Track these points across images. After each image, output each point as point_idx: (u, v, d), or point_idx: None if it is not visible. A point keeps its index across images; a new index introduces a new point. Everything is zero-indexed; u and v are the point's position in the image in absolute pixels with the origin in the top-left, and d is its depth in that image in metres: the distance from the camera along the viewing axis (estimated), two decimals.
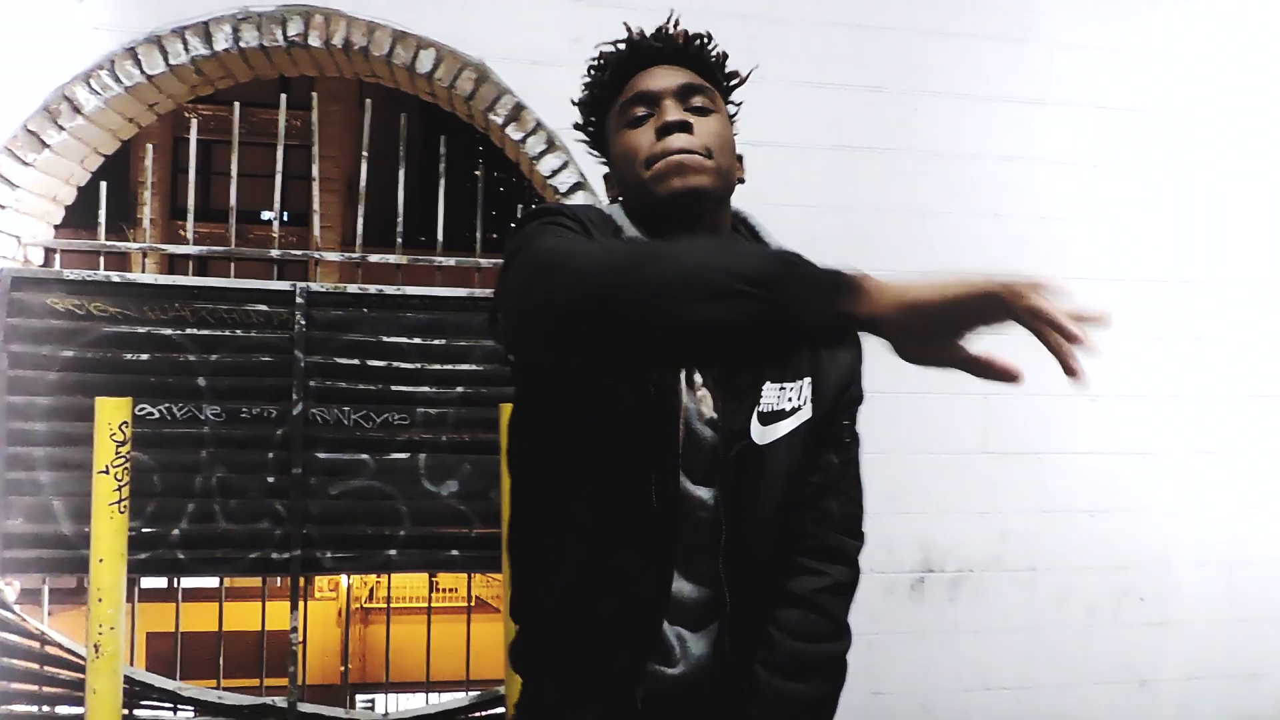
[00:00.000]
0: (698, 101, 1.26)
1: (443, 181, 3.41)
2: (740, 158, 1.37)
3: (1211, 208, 3.79)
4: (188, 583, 4.28)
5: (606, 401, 1.16)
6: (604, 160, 1.40)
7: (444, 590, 14.28)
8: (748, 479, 1.23)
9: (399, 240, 3.36)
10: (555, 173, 3.32)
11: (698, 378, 1.22)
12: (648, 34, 1.30)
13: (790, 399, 1.26)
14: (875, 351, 3.09)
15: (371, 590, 16.24)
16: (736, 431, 1.21)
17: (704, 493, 1.22)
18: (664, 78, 1.26)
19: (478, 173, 3.50)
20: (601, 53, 1.34)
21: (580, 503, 1.18)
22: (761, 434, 1.23)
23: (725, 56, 1.35)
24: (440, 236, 3.47)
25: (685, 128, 1.21)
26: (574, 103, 1.41)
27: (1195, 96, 3.77)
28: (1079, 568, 3.66)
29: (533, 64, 3.32)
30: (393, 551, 3.22)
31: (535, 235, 1.13)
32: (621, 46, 1.31)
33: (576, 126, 1.43)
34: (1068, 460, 3.67)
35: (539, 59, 3.32)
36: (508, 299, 1.07)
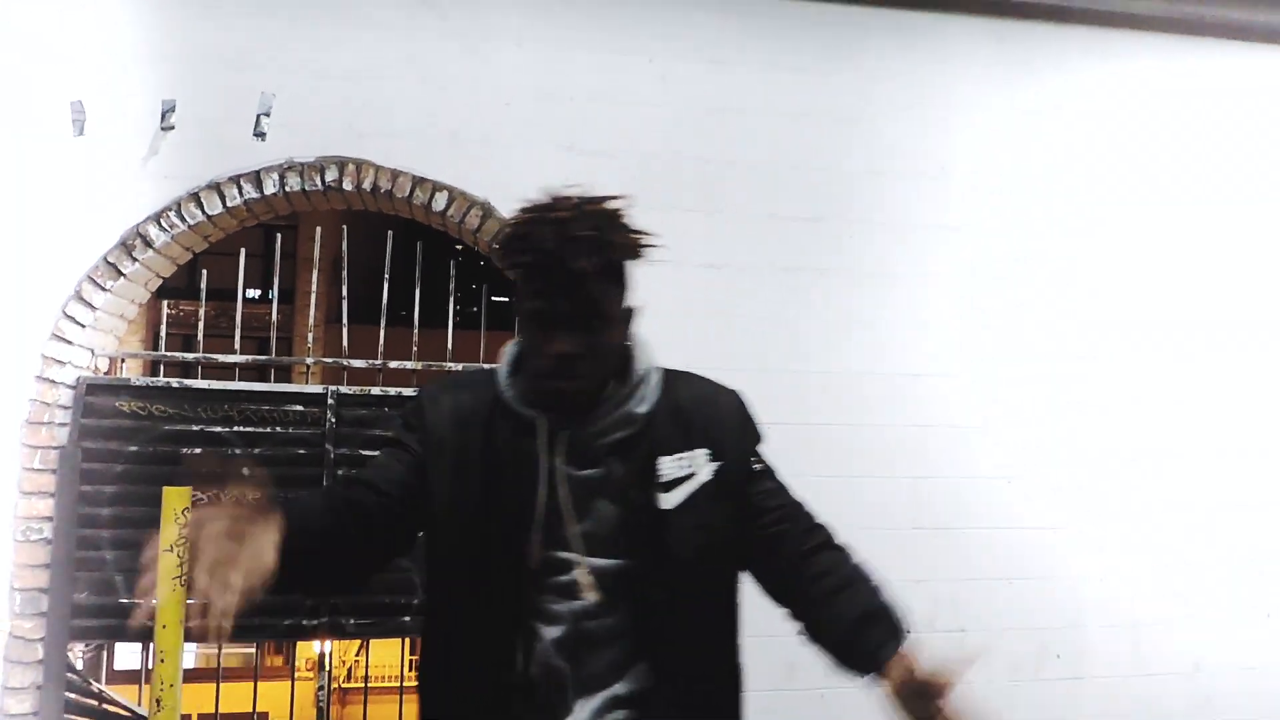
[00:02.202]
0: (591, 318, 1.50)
1: (452, 300, 4.02)
2: None
3: (1097, 309, 4.45)
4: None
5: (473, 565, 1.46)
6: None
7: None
8: (661, 537, 1.47)
9: (414, 349, 3.95)
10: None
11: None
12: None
13: (683, 467, 1.50)
14: (820, 441, 3.86)
15: (350, 670, 16.38)
16: (643, 503, 1.46)
17: (609, 564, 1.46)
18: (570, 291, 1.45)
19: (476, 287, 4.12)
20: (544, 223, 1.45)
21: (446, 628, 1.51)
22: (665, 499, 1.48)
23: None
24: (450, 345, 4.06)
25: (572, 360, 1.48)
26: (501, 240, 1.58)
27: (1079, 227, 4.47)
28: (1002, 629, 4.20)
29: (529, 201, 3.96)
30: (408, 618, 3.73)
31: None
32: (556, 234, 1.44)
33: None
34: (988, 534, 4.24)
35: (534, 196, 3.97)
36: None
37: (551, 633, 1.44)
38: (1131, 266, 4.50)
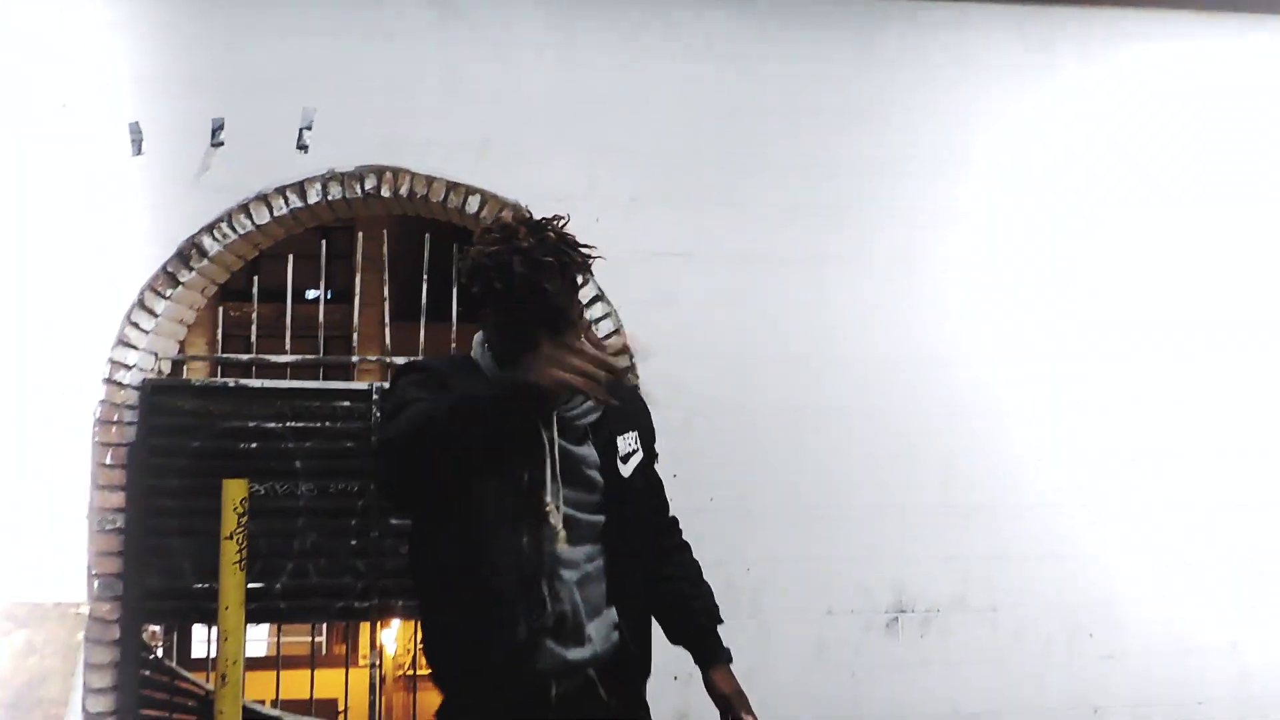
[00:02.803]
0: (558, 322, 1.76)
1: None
2: None
3: (1121, 294, 4.46)
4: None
5: (493, 499, 1.69)
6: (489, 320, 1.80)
7: None
8: (624, 499, 1.84)
9: (453, 346, 4.16)
10: (579, 288, 4.10)
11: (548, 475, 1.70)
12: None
13: (630, 444, 1.89)
14: (848, 425, 4.01)
15: (414, 658, 16.88)
16: (611, 472, 1.83)
17: (597, 519, 1.80)
18: (541, 307, 1.71)
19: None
20: (511, 251, 1.70)
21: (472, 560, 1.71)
22: (624, 469, 1.86)
23: None
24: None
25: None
26: (467, 265, 1.76)
27: (1102, 215, 4.48)
28: (1034, 607, 4.26)
29: (558, 202, 4.10)
30: None
31: (392, 399, 1.72)
32: (524, 261, 1.70)
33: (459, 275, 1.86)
34: (1020, 512, 4.29)
35: (563, 198, 4.12)
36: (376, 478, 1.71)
37: (570, 575, 1.75)
38: (1152, 254, 4.51)
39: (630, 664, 1.84)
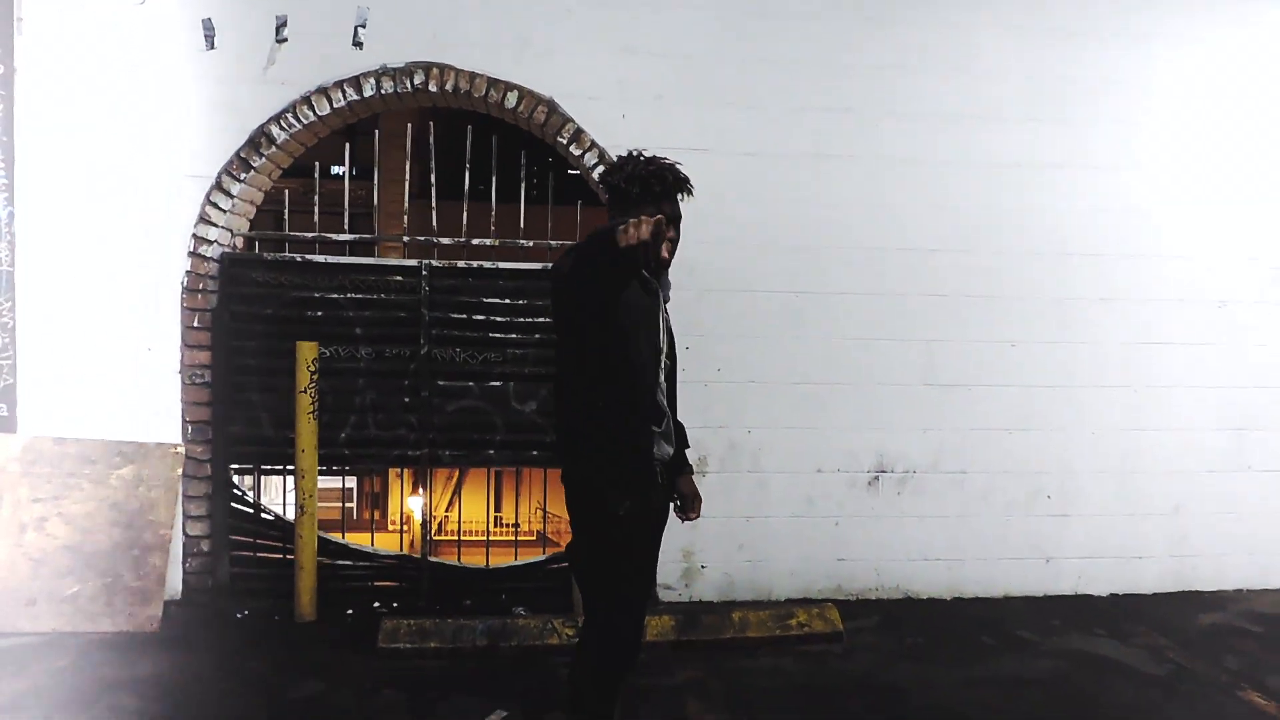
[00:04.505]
0: (679, 223, 2.63)
1: (523, 185, 4.67)
2: None
3: (1105, 194, 4.87)
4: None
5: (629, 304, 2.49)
6: (617, 204, 2.58)
7: (504, 526, 15.87)
8: (672, 346, 2.74)
9: (493, 228, 4.64)
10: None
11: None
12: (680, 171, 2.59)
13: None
14: (843, 308, 4.63)
15: (440, 524, 17.93)
16: (669, 327, 2.68)
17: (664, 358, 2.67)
18: (677, 207, 2.60)
19: (540, 175, 4.75)
20: (659, 173, 2.54)
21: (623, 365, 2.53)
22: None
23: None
24: (522, 224, 4.73)
25: (675, 243, 2.60)
26: (625, 174, 2.56)
27: (1091, 114, 4.83)
28: (999, 472, 4.85)
29: (589, 99, 4.54)
30: (491, 451, 4.56)
31: (577, 256, 2.39)
32: (668, 179, 2.56)
33: (607, 179, 2.61)
34: (993, 391, 4.83)
35: (594, 96, 4.53)
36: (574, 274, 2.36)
37: (663, 400, 2.64)
38: (1124, 158, 4.88)
39: (673, 463, 2.74)
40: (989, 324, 4.82)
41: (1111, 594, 4.89)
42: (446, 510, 17.65)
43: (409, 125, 4.67)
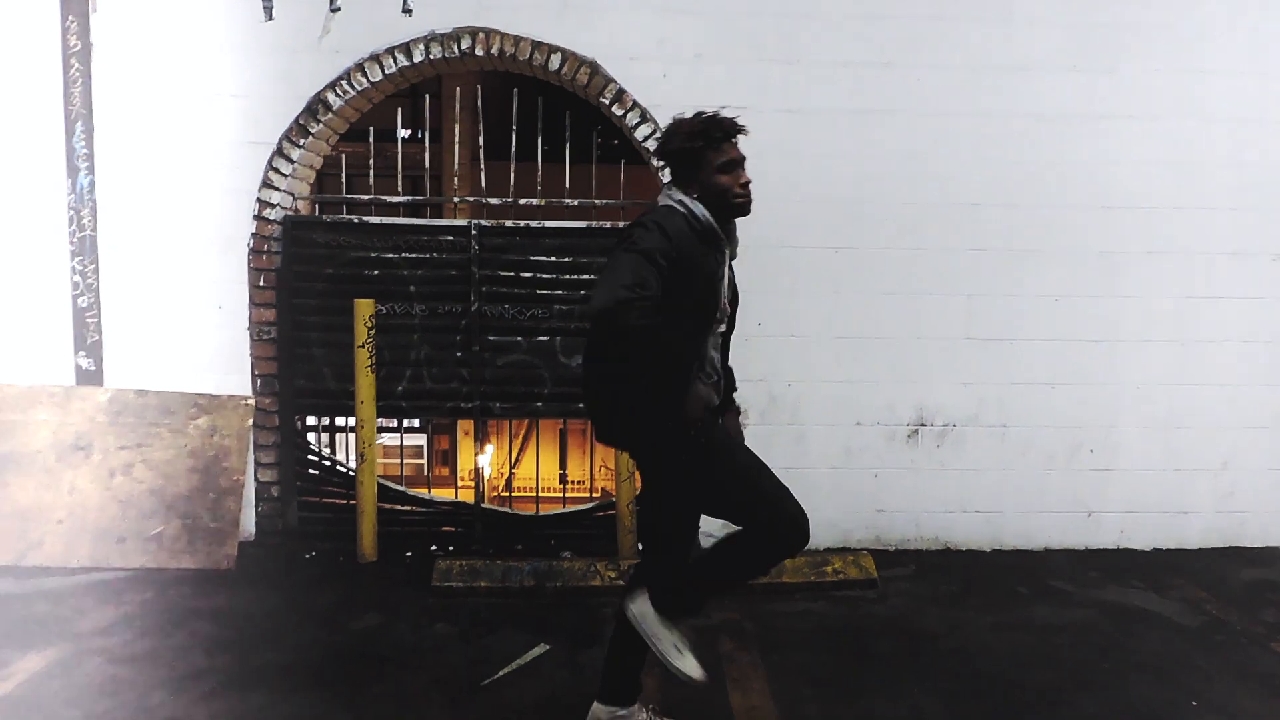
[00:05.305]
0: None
1: (567, 145, 4.80)
2: None
3: (1151, 148, 4.79)
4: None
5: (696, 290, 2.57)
6: (682, 166, 2.65)
7: (573, 483, 16.26)
8: (733, 308, 2.77)
9: (538, 187, 4.79)
10: (646, 138, 4.65)
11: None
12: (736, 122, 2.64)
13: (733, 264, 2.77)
14: (885, 263, 4.71)
15: (507, 480, 18.45)
16: (732, 287, 2.74)
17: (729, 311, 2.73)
18: (740, 151, 2.67)
19: (598, 139, 4.87)
20: (715, 121, 2.61)
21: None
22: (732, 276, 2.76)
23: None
24: (567, 184, 4.88)
25: (748, 185, 2.66)
26: (684, 134, 2.62)
27: (1140, 69, 4.74)
28: (1041, 426, 4.87)
29: (630, 60, 4.63)
30: (539, 403, 4.76)
31: (633, 247, 2.45)
32: (725, 124, 2.62)
33: (667, 147, 2.68)
34: (1035, 345, 4.84)
35: (635, 56, 4.62)
36: (616, 292, 2.38)
37: (715, 356, 2.70)
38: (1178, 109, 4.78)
39: (720, 406, 2.81)
40: (1032, 278, 4.81)
41: (1155, 548, 4.90)
42: (512, 468, 18.17)
43: (456, 89, 4.82)
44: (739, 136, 2.66)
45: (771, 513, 2.59)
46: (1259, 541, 4.95)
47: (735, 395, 2.96)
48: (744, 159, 2.66)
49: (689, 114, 2.68)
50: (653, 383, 2.52)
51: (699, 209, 2.59)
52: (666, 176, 4.60)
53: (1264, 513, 4.96)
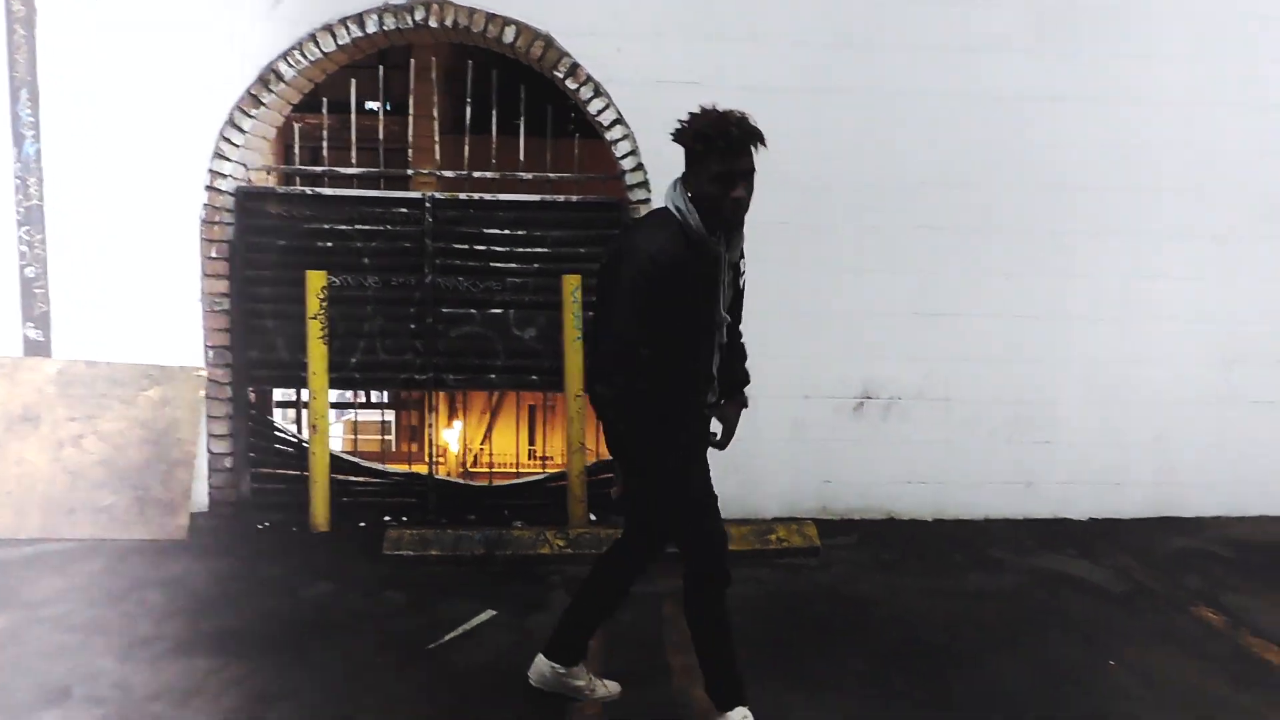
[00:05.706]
0: (749, 178, 2.54)
1: (523, 120, 4.82)
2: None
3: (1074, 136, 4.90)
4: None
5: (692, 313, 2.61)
6: (686, 162, 2.55)
7: (546, 458, 16.32)
8: (736, 305, 2.80)
9: (493, 160, 4.81)
10: (600, 111, 4.67)
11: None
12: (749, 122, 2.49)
13: (744, 267, 2.78)
14: (832, 243, 4.77)
15: (475, 457, 18.46)
16: (737, 288, 2.76)
17: (729, 318, 2.74)
18: (745, 161, 2.48)
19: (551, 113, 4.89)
20: (724, 127, 2.44)
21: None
22: (740, 283, 2.79)
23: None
24: (522, 156, 4.89)
25: (743, 200, 2.52)
26: (691, 131, 2.48)
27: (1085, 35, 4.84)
28: (984, 400, 5.00)
29: (586, 35, 4.64)
30: (493, 375, 4.81)
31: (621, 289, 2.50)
32: (733, 133, 2.44)
33: (680, 139, 2.56)
34: (983, 321, 4.95)
35: (590, 31, 4.64)
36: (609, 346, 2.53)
37: (718, 352, 2.72)
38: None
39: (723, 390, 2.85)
40: (983, 256, 4.92)
41: (1091, 518, 5.06)
42: (482, 444, 18.14)
43: (432, 60, 4.82)
44: (757, 146, 2.48)
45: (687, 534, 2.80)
46: (1193, 512, 5.12)
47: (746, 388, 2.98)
48: (749, 171, 2.49)
49: (719, 108, 2.51)
50: (655, 414, 2.59)
51: (693, 218, 2.53)
52: (625, 149, 4.67)
53: (1199, 485, 5.14)
